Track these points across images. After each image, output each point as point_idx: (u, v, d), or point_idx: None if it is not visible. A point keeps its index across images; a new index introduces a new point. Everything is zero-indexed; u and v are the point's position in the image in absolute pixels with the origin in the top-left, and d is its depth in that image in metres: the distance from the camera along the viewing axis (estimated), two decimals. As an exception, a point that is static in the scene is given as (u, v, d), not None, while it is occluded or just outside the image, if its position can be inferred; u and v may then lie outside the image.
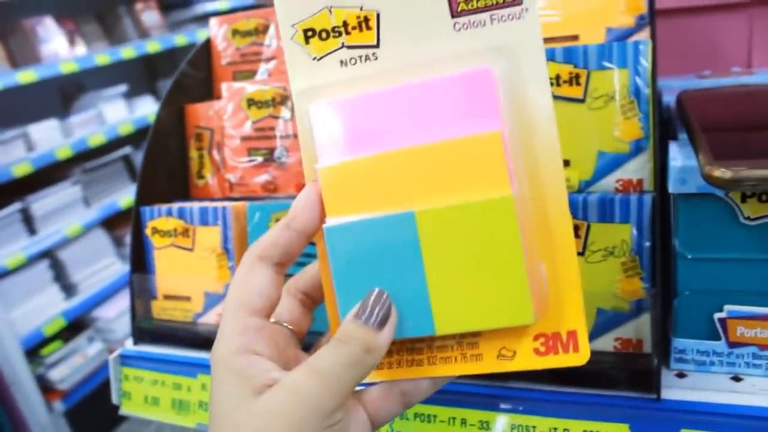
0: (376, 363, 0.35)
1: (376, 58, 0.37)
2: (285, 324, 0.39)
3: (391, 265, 0.35)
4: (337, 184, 0.36)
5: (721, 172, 0.37)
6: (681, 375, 0.46)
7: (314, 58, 0.37)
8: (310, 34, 0.37)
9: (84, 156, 2.27)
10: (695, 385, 0.45)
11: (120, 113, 2.42)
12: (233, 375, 0.34)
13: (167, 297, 0.65)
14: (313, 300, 0.41)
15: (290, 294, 0.40)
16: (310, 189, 0.37)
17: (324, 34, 0.37)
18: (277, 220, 0.57)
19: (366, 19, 0.36)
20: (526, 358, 0.36)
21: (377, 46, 0.37)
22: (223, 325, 0.36)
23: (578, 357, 0.35)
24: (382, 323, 0.35)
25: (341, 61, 0.37)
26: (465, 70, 0.35)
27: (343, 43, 0.37)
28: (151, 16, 2.65)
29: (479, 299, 0.35)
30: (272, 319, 0.38)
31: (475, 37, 0.35)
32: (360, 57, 0.37)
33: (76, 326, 2.19)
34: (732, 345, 0.45)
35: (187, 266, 0.63)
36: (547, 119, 0.35)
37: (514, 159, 0.34)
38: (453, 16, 0.35)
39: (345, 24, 0.37)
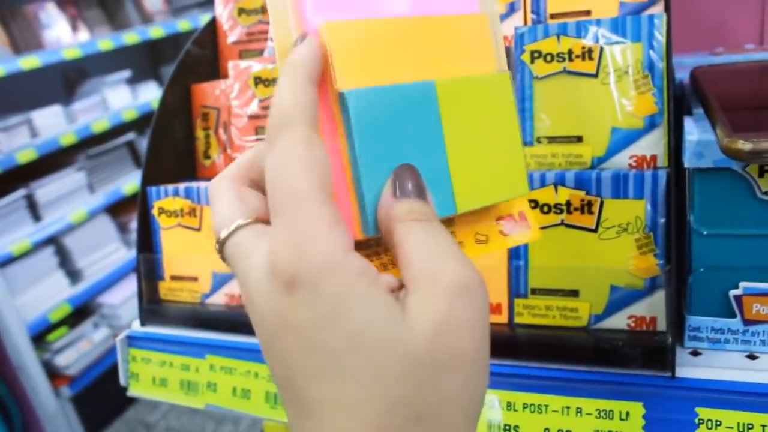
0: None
1: None
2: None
3: (413, 138, 0.32)
4: (345, 43, 0.31)
5: (741, 144, 0.36)
6: (695, 353, 0.46)
7: None
8: None
9: (88, 142, 2.26)
10: (710, 363, 0.45)
11: (124, 99, 2.42)
12: (363, 282, 0.26)
13: (174, 278, 0.64)
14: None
15: (251, 187, 0.33)
16: (313, 41, 0.30)
17: None
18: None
19: None
20: (497, 240, 0.37)
21: None
22: (309, 218, 0.27)
23: (532, 233, 0.37)
24: (425, 192, 0.30)
25: None
26: None
27: None
28: (154, 2, 2.63)
29: (489, 173, 0.35)
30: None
31: None
32: None
33: (81, 312, 2.20)
34: (747, 322, 0.44)
35: (194, 246, 0.63)
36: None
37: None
38: None
39: None
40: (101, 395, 2.13)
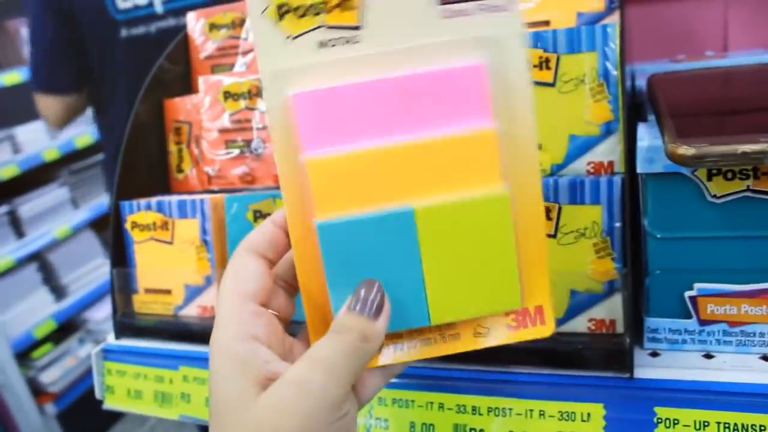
0: (375, 351, 0.35)
1: (358, 42, 0.35)
2: (272, 311, 0.39)
3: (386, 260, 0.35)
4: (326, 178, 0.35)
5: (684, 149, 0.38)
6: (654, 354, 0.47)
7: (288, 38, 0.34)
8: (284, 9, 0.34)
9: (71, 157, 2.26)
10: (668, 363, 0.46)
11: (106, 114, 2.41)
12: (235, 364, 0.33)
13: (148, 291, 0.65)
14: (294, 288, 0.40)
15: (275, 282, 0.40)
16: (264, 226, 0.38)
17: (301, 11, 0.34)
18: (255, 211, 0.58)
19: None
20: (500, 334, 0.38)
21: (359, 28, 0.34)
22: (222, 313, 0.35)
23: (545, 329, 0.37)
24: (378, 312, 0.34)
25: (320, 43, 0.35)
26: (457, 63, 0.35)
27: (322, 23, 0.34)
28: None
29: (472, 289, 0.36)
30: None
31: (461, 26, 0.34)
32: (340, 39, 0.35)
33: (66, 328, 2.18)
34: (703, 323, 0.45)
35: (167, 259, 0.63)
36: (527, 109, 0.35)
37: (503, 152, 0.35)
38: (441, 3, 0.34)
39: (325, 1, 0.34)
40: (87, 412, 2.11)
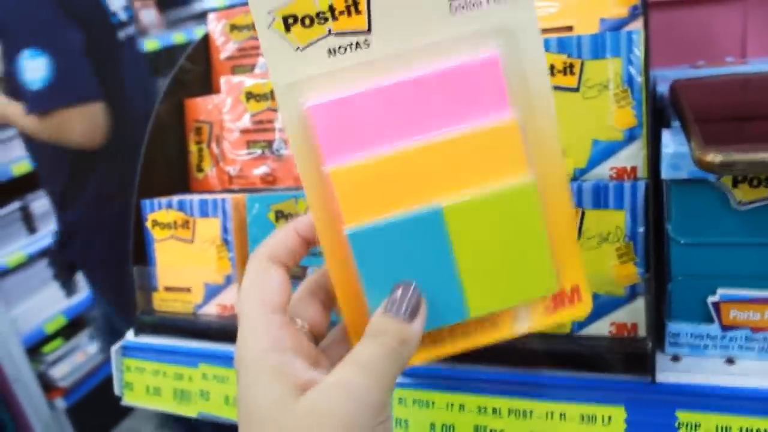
0: (412, 354, 0.35)
1: (368, 45, 0.34)
2: (303, 323, 0.38)
3: (419, 260, 0.35)
4: (351, 186, 0.35)
5: (712, 157, 0.38)
6: (675, 358, 0.47)
7: (297, 48, 0.34)
8: (291, 21, 0.34)
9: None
10: (689, 368, 0.46)
11: (119, 111, 2.42)
12: (270, 373, 0.33)
13: (168, 289, 0.65)
14: (332, 299, 0.40)
15: (311, 293, 0.39)
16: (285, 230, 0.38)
17: (307, 21, 0.34)
18: (276, 211, 0.58)
19: (355, 2, 0.34)
20: (539, 318, 0.38)
21: (368, 31, 0.34)
22: (248, 324, 0.35)
23: (582, 306, 0.38)
24: (414, 314, 0.34)
25: (329, 50, 0.34)
26: (470, 57, 0.34)
27: (330, 30, 0.34)
28: (149, 15, 2.65)
29: (507, 279, 0.36)
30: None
31: (471, 19, 0.34)
32: (350, 45, 0.34)
33: (76, 324, 2.19)
34: (725, 328, 0.45)
35: (188, 258, 0.64)
36: (546, 98, 0.35)
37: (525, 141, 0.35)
38: None
39: (331, 8, 0.34)
40: (96, 407, 2.12)
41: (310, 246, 0.38)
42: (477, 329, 0.38)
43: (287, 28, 0.34)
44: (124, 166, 1.43)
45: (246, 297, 0.36)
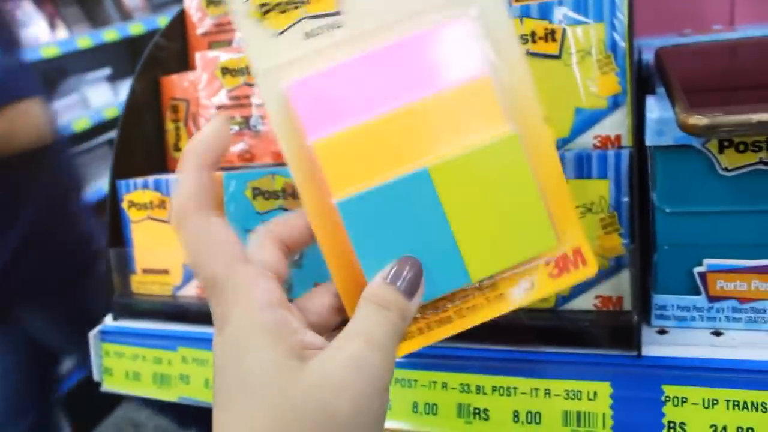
0: (405, 332, 0.34)
1: (340, 26, 0.35)
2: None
3: (412, 225, 0.35)
4: (335, 156, 0.35)
5: (696, 119, 0.37)
6: (662, 331, 0.46)
7: (275, 34, 0.35)
8: (266, 8, 0.35)
9: (69, 141, 2.24)
10: (676, 340, 0.45)
11: (104, 97, 2.40)
12: (265, 334, 0.31)
13: (146, 271, 0.64)
14: (290, 250, 0.38)
15: (273, 243, 0.36)
16: (215, 122, 0.36)
17: (282, 7, 0.35)
18: (253, 188, 0.56)
19: None
20: (545, 284, 0.37)
21: (339, 13, 0.35)
22: (226, 285, 0.32)
23: (588, 269, 0.37)
24: (414, 290, 0.34)
25: (306, 34, 0.35)
26: (440, 22, 0.35)
27: (304, 14, 0.35)
28: (133, -2, 2.62)
29: (505, 237, 0.36)
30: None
31: None
32: (324, 26, 0.35)
33: (66, 312, 2.18)
34: (712, 299, 0.44)
35: (165, 239, 0.62)
36: (516, 54, 0.36)
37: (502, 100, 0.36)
38: None
39: None
40: (88, 395, 2.12)
41: (215, 169, 0.35)
42: (483, 303, 0.37)
43: (264, 14, 0.35)
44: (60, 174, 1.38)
45: (204, 260, 0.33)
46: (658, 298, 0.46)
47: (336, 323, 0.38)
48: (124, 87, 2.46)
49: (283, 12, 0.35)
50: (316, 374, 0.30)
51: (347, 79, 0.35)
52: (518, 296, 0.37)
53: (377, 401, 0.31)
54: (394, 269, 0.34)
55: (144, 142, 0.70)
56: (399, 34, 0.36)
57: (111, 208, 0.65)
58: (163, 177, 0.62)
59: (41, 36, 2.28)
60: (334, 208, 0.35)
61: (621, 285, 0.46)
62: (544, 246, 0.36)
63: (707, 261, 0.44)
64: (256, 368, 0.30)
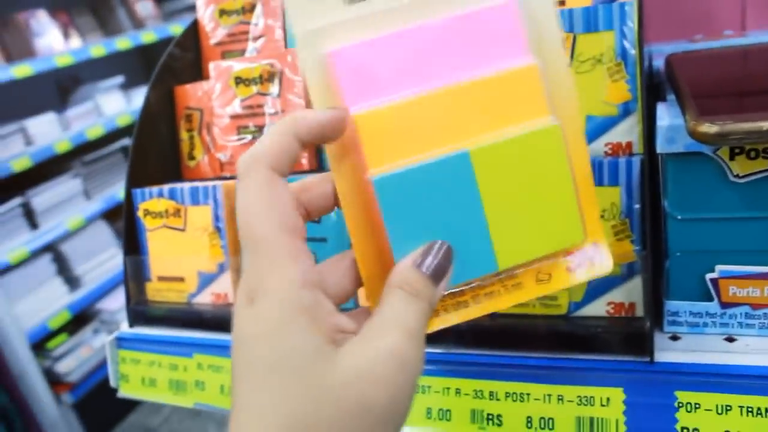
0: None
1: None
2: None
3: (447, 207, 0.34)
4: (375, 131, 0.34)
5: (707, 127, 0.37)
6: (674, 337, 0.46)
7: None
8: None
9: (83, 149, 2.27)
10: (689, 346, 0.45)
11: (117, 105, 2.42)
12: (303, 314, 0.30)
13: (161, 278, 0.65)
14: (310, 215, 0.36)
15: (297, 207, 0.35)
16: (338, 110, 0.34)
17: None
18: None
19: None
20: (562, 278, 0.37)
21: None
22: (269, 251, 0.30)
23: (605, 265, 0.37)
24: (441, 276, 0.33)
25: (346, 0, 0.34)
26: (488, 3, 0.35)
27: None
28: (145, 7, 2.64)
29: (535, 227, 0.35)
30: None
31: None
32: None
33: (81, 319, 2.20)
34: (725, 305, 0.44)
35: (180, 247, 0.63)
36: (557, 41, 0.35)
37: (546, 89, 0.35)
38: None
39: None
40: (102, 401, 2.13)
41: (305, 149, 0.34)
42: (501, 291, 0.37)
43: None
44: None
45: (257, 217, 0.31)
46: (671, 305, 0.46)
47: (353, 293, 0.36)
48: (137, 95, 2.49)
49: None
50: (355, 364, 0.30)
51: (391, 52, 0.35)
52: (536, 287, 0.37)
53: (411, 392, 0.31)
54: (425, 253, 0.33)
55: (159, 151, 0.71)
56: (445, 7, 0.35)
57: (127, 216, 0.66)
58: (177, 186, 0.63)
59: (55, 45, 2.31)
60: (367, 183, 0.34)
61: (633, 291, 0.46)
62: (572, 240, 0.36)
63: (719, 267, 0.44)
64: (293, 349, 0.29)
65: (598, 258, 0.37)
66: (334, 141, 0.34)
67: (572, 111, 0.36)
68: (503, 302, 0.37)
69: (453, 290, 0.36)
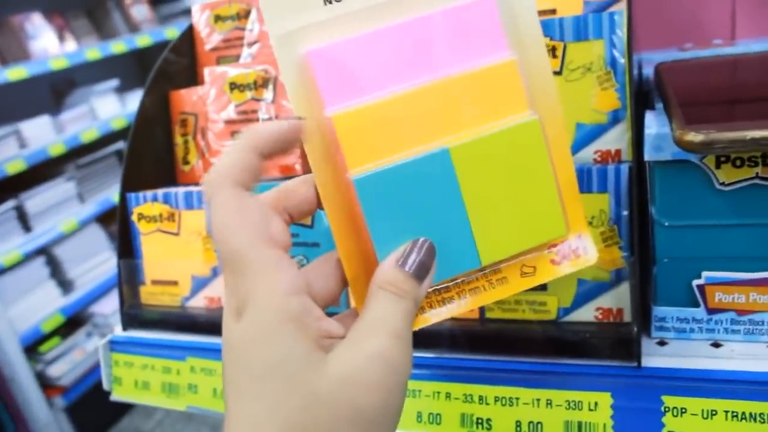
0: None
1: None
2: None
3: (428, 205, 0.35)
4: (353, 130, 0.34)
5: (692, 136, 0.37)
6: (662, 342, 0.47)
7: None
8: None
9: (77, 152, 2.26)
10: (675, 352, 0.46)
11: (112, 108, 2.42)
12: (291, 322, 0.30)
13: (155, 282, 0.65)
14: (293, 219, 0.36)
15: (278, 214, 0.34)
16: (293, 119, 0.34)
17: None
18: (261, 201, 0.57)
19: None
20: (546, 270, 0.37)
21: None
22: (250, 265, 0.31)
23: (589, 258, 0.37)
24: (425, 274, 0.34)
25: (325, 0, 0.34)
26: (464, 0, 0.35)
27: None
28: (140, 10, 2.64)
29: (517, 222, 0.36)
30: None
31: None
32: None
33: (73, 322, 2.19)
34: (711, 311, 0.45)
35: (174, 251, 0.64)
36: (536, 35, 0.36)
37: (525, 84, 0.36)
38: None
39: None
40: (95, 405, 2.13)
41: (266, 160, 0.34)
42: (486, 286, 0.37)
43: None
44: None
45: (232, 233, 0.31)
46: (658, 310, 0.46)
47: (339, 294, 0.36)
48: (132, 98, 2.49)
49: None
50: (344, 369, 0.30)
51: (369, 50, 0.35)
52: (521, 281, 0.37)
53: (402, 393, 0.31)
54: (407, 252, 0.34)
55: (153, 155, 0.71)
56: (423, 7, 0.35)
57: (121, 220, 0.66)
58: (172, 190, 0.63)
59: (50, 48, 2.31)
60: (348, 183, 0.34)
61: (621, 297, 0.47)
62: (555, 233, 0.37)
63: (706, 274, 0.44)
64: (282, 358, 0.29)
65: (582, 249, 0.37)
66: (293, 149, 0.34)
67: (552, 104, 0.36)
68: (489, 297, 0.37)
69: (438, 287, 0.37)
